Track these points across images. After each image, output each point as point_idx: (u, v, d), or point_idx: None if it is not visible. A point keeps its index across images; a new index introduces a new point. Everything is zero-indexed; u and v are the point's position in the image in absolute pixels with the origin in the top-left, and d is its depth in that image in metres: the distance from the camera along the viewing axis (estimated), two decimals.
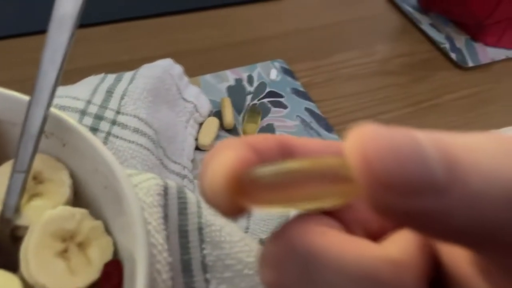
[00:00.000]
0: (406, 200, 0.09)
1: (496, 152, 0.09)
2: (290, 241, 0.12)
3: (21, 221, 0.22)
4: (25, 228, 0.22)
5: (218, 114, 0.39)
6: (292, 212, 0.12)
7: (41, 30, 0.43)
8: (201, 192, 0.12)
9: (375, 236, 0.14)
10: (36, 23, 0.44)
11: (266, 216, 0.32)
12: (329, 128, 0.39)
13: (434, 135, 0.10)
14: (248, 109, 0.39)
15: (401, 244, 0.13)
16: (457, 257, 0.12)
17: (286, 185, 0.11)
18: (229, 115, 0.38)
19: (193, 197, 0.25)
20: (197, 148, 0.36)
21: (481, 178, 0.09)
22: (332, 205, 0.11)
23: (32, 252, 0.20)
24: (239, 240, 0.25)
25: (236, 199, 0.11)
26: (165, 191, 0.24)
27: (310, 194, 0.11)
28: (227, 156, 0.11)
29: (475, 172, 0.09)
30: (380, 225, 0.14)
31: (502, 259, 0.11)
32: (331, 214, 0.13)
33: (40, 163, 0.23)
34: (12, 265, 0.21)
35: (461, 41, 0.51)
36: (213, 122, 0.37)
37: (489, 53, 0.50)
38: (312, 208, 0.12)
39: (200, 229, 0.24)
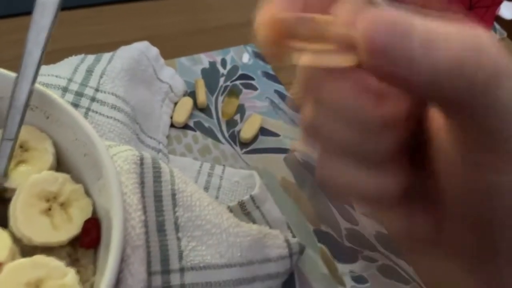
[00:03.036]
0: (392, 66, 0.14)
1: (460, 41, 0.14)
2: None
3: (9, 183, 0.25)
4: (13, 190, 0.24)
5: (192, 94, 0.41)
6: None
7: (24, 12, 0.45)
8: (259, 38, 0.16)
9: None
10: (19, 5, 0.46)
11: (235, 187, 0.35)
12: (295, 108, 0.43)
13: (427, 26, 0.14)
14: (228, 90, 0.42)
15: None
16: (439, 123, 0.17)
17: (312, 31, 0.15)
18: (202, 95, 0.40)
19: (166, 167, 0.28)
20: (172, 126, 0.39)
21: (443, 57, 0.13)
22: (341, 64, 0.15)
23: (20, 210, 0.23)
24: (208, 204, 0.28)
25: (279, 40, 0.15)
26: (141, 161, 0.27)
27: (328, 49, 0.15)
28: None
29: (439, 53, 0.13)
30: None
31: (453, 113, 0.15)
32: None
33: (26, 133, 0.26)
34: (1, 223, 0.24)
35: None
36: (187, 101, 0.40)
37: None
38: (325, 61, 0.15)
39: (173, 195, 0.27)
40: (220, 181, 0.35)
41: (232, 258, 0.26)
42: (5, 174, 0.25)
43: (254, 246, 0.27)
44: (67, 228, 0.24)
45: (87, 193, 0.25)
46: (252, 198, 0.32)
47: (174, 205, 0.27)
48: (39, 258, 0.22)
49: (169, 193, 0.27)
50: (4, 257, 0.22)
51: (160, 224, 0.26)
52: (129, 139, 0.32)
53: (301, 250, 0.29)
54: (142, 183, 0.26)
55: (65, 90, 0.31)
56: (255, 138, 0.40)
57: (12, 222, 0.23)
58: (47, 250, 0.23)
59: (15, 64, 0.29)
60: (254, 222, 0.32)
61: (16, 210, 0.23)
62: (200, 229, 0.27)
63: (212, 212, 0.27)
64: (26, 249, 0.23)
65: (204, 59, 0.45)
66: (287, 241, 0.29)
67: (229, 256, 0.26)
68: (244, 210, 0.32)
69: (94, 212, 0.25)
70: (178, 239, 0.27)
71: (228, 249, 0.27)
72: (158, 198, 0.27)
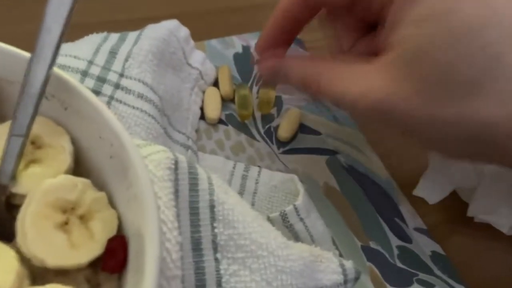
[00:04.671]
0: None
1: None
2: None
3: (18, 188, 0.20)
4: (22, 196, 0.20)
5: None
6: None
7: None
8: None
9: None
10: None
11: (272, 193, 0.31)
12: None
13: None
14: (263, 79, 0.37)
15: None
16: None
17: None
18: (227, 85, 0.35)
19: (203, 173, 0.24)
20: (201, 118, 0.34)
21: None
22: None
23: (30, 223, 0.19)
24: (252, 220, 0.23)
25: None
26: (176, 165, 0.22)
27: None
28: None
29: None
30: None
31: None
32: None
33: (39, 127, 0.21)
34: (6, 235, 0.19)
35: None
36: (215, 92, 0.35)
37: None
38: None
39: (212, 207, 0.23)
40: (256, 185, 0.31)
41: (281, 286, 0.22)
42: (13, 177, 0.20)
43: (306, 271, 0.23)
44: (88, 247, 0.19)
45: (111, 203, 0.21)
46: (295, 208, 0.27)
47: (213, 219, 0.23)
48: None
49: (207, 204, 0.23)
50: (10, 283, 0.17)
51: (196, 242, 0.22)
52: (157, 134, 0.27)
53: (357, 277, 0.25)
54: (176, 192, 0.22)
55: (84, 74, 0.27)
56: (294, 136, 0.35)
57: (20, 238, 0.19)
58: (62, 273, 0.19)
59: (27, 40, 0.24)
60: (296, 235, 0.28)
61: (26, 223, 0.19)
62: (243, 250, 0.22)
63: (257, 230, 0.23)
64: (35, 272, 0.19)
65: (237, 42, 0.40)
66: (342, 265, 0.24)
67: (278, 284, 0.22)
68: (286, 222, 0.27)
69: (119, 227, 0.20)
70: (217, 260, 0.22)
71: (277, 275, 0.22)
72: (194, 210, 0.22)
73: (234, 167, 0.31)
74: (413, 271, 0.30)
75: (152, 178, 0.21)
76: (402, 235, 0.31)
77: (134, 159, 0.19)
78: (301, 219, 0.28)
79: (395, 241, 0.31)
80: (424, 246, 0.31)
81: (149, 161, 0.21)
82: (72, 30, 0.32)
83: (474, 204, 0.31)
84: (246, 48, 0.40)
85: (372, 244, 0.30)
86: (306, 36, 0.43)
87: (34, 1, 0.38)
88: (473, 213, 0.31)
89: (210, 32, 0.40)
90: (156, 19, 0.34)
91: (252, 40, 0.40)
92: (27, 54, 0.20)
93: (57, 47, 0.19)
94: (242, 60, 0.39)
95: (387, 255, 0.30)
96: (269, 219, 0.28)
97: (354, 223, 0.31)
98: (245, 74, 0.38)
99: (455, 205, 0.33)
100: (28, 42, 0.24)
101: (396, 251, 0.30)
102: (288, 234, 0.27)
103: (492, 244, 0.32)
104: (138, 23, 0.34)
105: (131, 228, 0.20)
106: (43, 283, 0.18)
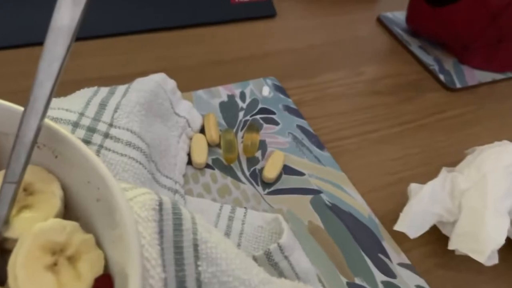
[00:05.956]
0: None
1: None
2: None
3: (10, 233, 0.21)
4: (14, 240, 0.21)
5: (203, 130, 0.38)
6: None
7: (35, 42, 0.43)
8: None
9: None
10: (30, 35, 0.44)
11: (258, 233, 0.32)
12: (320, 145, 0.40)
13: None
14: (248, 125, 0.39)
15: None
16: None
17: None
18: (214, 132, 0.37)
19: (187, 213, 0.25)
20: (188, 163, 0.36)
21: None
22: None
23: (21, 265, 0.20)
24: (235, 257, 0.24)
25: None
26: (160, 206, 0.24)
27: None
28: None
29: None
30: None
31: None
32: None
33: (31, 175, 0.22)
34: None
35: (449, 63, 0.52)
36: (202, 139, 0.37)
37: (477, 76, 0.51)
38: None
39: (196, 246, 0.24)
40: (242, 226, 0.32)
41: None
42: (6, 222, 0.21)
43: None
44: (75, 286, 0.20)
45: (98, 244, 0.22)
46: (279, 246, 0.28)
47: (197, 258, 0.24)
48: None
49: (191, 243, 0.24)
50: None
51: (180, 280, 0.23)
52: (145, 179, 0.29)
53: None
54: (161, 232, 0.23)
55: (75, 125, 0.28)
56: (278, 178, 0.36)
57: (11, 279, 0.20)
58: None
59: (20, 97, 0.26)
60: (281, 273, 0.28)
61: (17, 265, 0.20)
62: (226, 287, 0.23)
63: (240, 266, 0.24)
64: None
65: (222, 92, 0.42)
66: None
67: None
68: (271, 261, 0.28)
69: (106, 267, 0.21)
70: None
71: None
72: (178, 249, 0.23)
73: (220, 209, 0.33)
74: None
75: (136, 219, 0.22)
76: (387, 271, 0.32)
77: (120, 201, 0.21)
78: (286, 257, 0.29)
79: (380, 277, 0.32)
80: (409, 280, 0.32)
81: (134, 203, 0.23)
82: (69, 87, 0.35)
83: (454, 237, 0.32)
84: (231, 97, 0.42)
85: (357, 280, 0.31)
86: (287, 84, 0.45)
87: (27, 60, 0.41)
88: (453, 246, 0.32)
89: (197, 83, 0.43)
90: (147, 74, 0.37)
91: (236, 89, 0.43)
92: (21, 108, 0.22)
93: (48, 100, 0.21)
94: (227, 107, 0.41)
95: None
96: (254, 258, 0.29)
97: (339, 260, 0.32)
98: (230, 121, 0.40)
99: (437, 240, 0.34)
100: (24, 97, 0.26)
101: (381, 287, 0.31)
102: (273, 272, 0.28)
103: (474, 276, 0.33)
104: (128, 78, 0.36)
105: (117, 267, 0.21)
106: None
